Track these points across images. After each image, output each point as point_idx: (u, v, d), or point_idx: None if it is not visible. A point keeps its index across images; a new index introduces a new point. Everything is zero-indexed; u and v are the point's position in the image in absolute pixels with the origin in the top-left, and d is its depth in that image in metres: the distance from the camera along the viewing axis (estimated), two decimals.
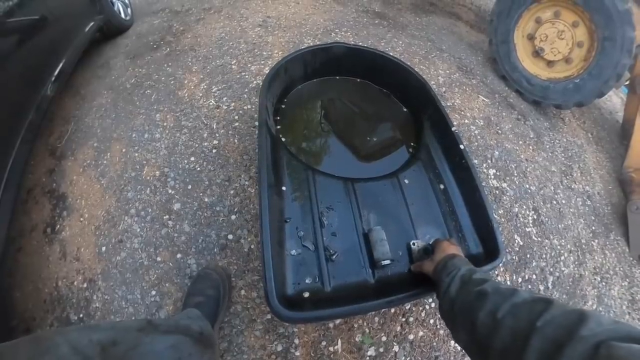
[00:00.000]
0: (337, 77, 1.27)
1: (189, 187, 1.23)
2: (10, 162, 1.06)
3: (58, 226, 1.24)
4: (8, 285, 1.12)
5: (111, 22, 2.01)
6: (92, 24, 1.78)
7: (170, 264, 1.09)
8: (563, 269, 1.35)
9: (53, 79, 1.38)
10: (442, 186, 1.00)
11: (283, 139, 1.05)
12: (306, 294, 0.78)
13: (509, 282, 1.24)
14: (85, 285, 1.11)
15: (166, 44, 1.95)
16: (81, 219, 1.24)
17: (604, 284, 1.44)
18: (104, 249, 1.16)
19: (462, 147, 0.98)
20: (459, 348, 1.05)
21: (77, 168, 1.38)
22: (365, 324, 1.02)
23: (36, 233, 1.24)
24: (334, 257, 0.84)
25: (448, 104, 1.68)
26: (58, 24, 1.47)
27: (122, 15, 2.17)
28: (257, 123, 1.28)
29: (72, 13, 1.65)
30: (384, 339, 1.02)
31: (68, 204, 1.29)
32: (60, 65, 1.44)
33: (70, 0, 1.65)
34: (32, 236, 1.24)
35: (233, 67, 1.69)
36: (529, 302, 0.48)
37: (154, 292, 1.05)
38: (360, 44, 1.90)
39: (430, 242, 0.89)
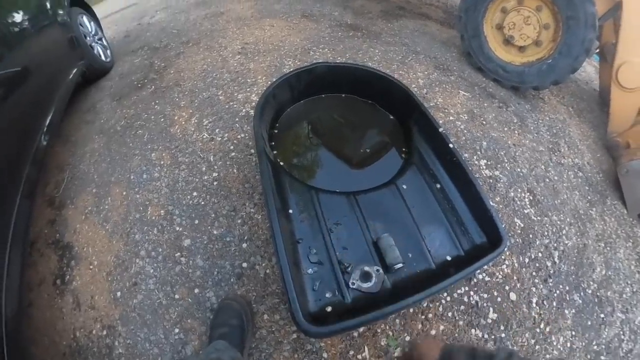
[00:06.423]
0: (323, 96, 1.31)
1: (196, 221, 1.25)
2: (13, 217, 1.06)
3: (68, 276, 1.24)
4: (25, 342, 1.11)
5: (93, 65, 2.03)
6: (74, 70, 1.80)
7: (189, 299, 1.10)
8: (566, 242, 1.39)
9: (45, 129, 1.37)
10: (438, 185, 1.05)
11: (282, 164, 1.09)
12: (329, 308, 0.81)
13: (515, 265, 1.27)
14: (104, 332, 1.11)
15: (150, 81, 1.98)
16: (91, 267, 1.24)
17: (608, 249, 1.47)
18: (119, 294, 1.16)
19: (451, 145, 1.03)
20: (480, 335, 1.08)
21: (78, 216, 1.38)
22: (387, 327, 1.05)
23: (45, 286, 1.24)
24: (349, 269, 0.88)
25: (431, 104, 1.73)
26: (41, 74, 1.46)
27: (103, 57, 2.20)
28: (252, 151, 1.32)
29: (53, 61, 1.65)
30: (407, 338, 1.04)
31: (75, 253, 1.29)
32: (50, 115, 1.44)
33: (51, 49, 1.66)
34: (42, 289, 1.24)
35: (220, 97, 1.72)
36: None
37: (177, 330, 1.06)
38: (339, 59, 1.96)
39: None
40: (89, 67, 1.99)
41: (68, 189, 1.49)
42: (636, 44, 1.71)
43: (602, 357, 1.18)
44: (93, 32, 2.19)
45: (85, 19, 2.12)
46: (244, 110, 1.62)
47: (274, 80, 1.19)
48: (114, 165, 1.52)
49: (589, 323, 1.23)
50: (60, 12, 1.81)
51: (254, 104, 1.61)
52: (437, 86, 1.86)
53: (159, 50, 2.31)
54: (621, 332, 1.26)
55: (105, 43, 2.34)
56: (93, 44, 2.12)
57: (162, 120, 1.67)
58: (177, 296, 1.11)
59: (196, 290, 1.11)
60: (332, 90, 1.31)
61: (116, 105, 1.87)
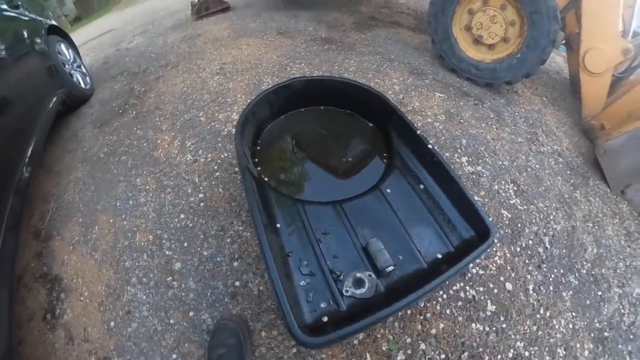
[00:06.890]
0: (302, 110, 1.34)
1: (185, 244, 1.24)
2: None
3: (58, 310, 1.21)
4: None
5: (72, 93, 2.03)
6: (54, 98, 1.79)
7: (185, 323, 1.09)
8: (555, 226, 1.41)
9: (27, 160, 1.36)
10: (422, 186, 1.07)
11: (266, 179, 1.10)
12: (325, 318, 0.81)
13: (508, 255, 1.28)
14: None
15: (131, 107, 1.98)
16: (81, 298, 1.21)
17: (597, 227, 1.50)
18: (112, 323, 1.14)
19: (430, 146, 1.06)
20: (481, 328, 1.08)
21: (66, 247, 1.36)
22: (387, 331, 1.05)
23: (35, 322, 1.20)
24: (341, 277, 0.88)
25: (408, 108, 1.76)
26: (21, 104, 1.45)
27: (82, 85, 2.19)
28: (237, 169, 1.32)
29: (33, 91, 1.64)
30: (408, 340, 1.04)
31: (64, 285, 1.26)
32: (32, 145, 1.43)
33: (30, 78, 1.65)
34: (32, 325, 1.20)
35: (201, 119, 1.73)
36: None
37: (174, 356, 1.04)
38: (315, 72, 2.00)
39: None
40: (68, 95, 1.98)
41: (54, 220, 1.46)
42: (598, 31, 1.79)
43: (606, 334, 1.19)
44: (72, 60, 2.19)
45: (63, 47, 2.12)
46: (225, 129, 1.63)
47: (253, 98, 1.21)
48: (99, 193, 1.50)
49: (588, 302, 1.24)
50: (38, 40, 1.81)
51: (235, 122, 1.62)
52: (413, 90, 1.91)
53: (138, 75, 2.31)
54: (621, 307, 1.28)
55: (84, 70, 2.34)
56: (72, 71, 2.12)
57: (145, 144, 1.66)
58: (172, 321, 1.10)
59: (191, 314, 1.10)
60: (310, 103, 1.33)
61: (98, 132, 1.86)
